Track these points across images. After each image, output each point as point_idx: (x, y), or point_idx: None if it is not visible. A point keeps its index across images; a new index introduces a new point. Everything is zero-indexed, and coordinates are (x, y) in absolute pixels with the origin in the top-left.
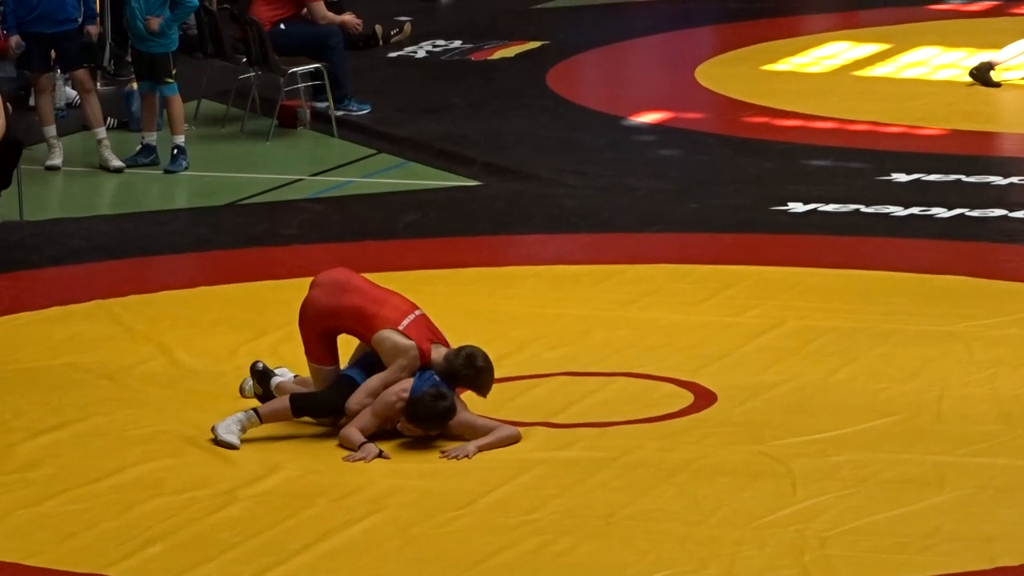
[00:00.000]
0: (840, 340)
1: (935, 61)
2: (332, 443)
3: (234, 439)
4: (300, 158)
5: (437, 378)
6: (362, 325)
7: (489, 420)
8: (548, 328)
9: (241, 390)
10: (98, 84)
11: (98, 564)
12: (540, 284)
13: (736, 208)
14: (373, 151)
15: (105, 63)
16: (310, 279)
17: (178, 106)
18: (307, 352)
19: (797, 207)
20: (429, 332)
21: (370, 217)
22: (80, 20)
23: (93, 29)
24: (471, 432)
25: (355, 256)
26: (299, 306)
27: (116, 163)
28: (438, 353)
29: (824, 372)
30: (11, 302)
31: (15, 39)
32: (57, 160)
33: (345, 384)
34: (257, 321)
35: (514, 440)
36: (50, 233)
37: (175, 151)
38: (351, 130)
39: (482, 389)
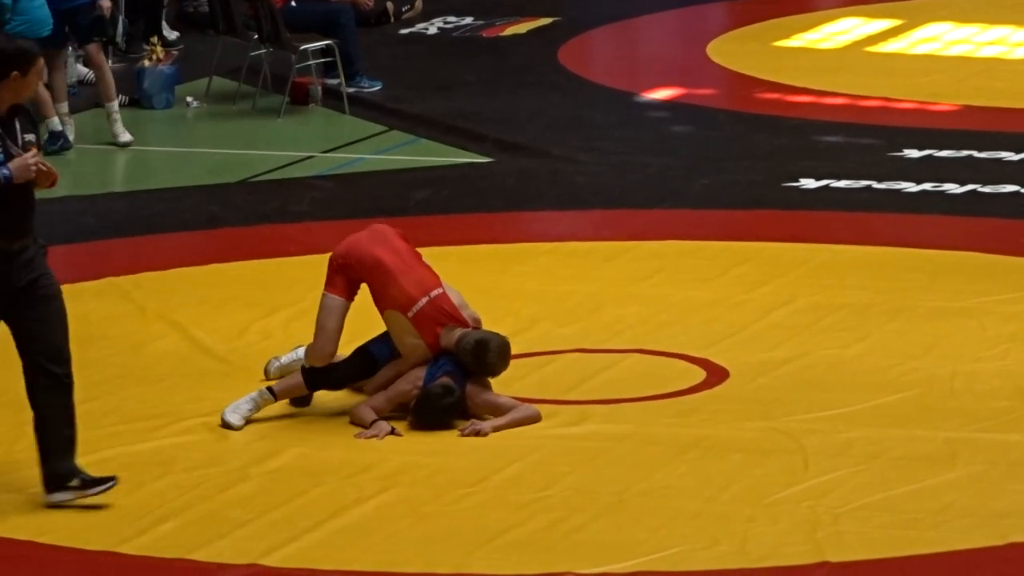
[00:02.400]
0: (852, 316)
1: (947, 37)
2: (343, 421)
3: (236, 420)
4: (311, 135)
5: (450, 365)
6: (378, 285)
7: (510, 399)
8: (560, 305)
9: (266, 372)
10: (110, 61)
11: (110, 541)
12: (552, 261)
13: (748, 184)
14: (384, 128)
15: (118, 39)
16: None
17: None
18: (326, 282)
19: (809, 183)
20: (442, 315)
21: (381, 194)
22: None
23: (105, 3)
24: (492, 410)
25: None
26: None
27: (125, 137)
28: (449, 338)
29: (836, 348)
30: None
31: None
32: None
33: (363, 357)
34: (268, 298)
35: (533, 420)
36: (61, 211)
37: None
38: (362, 107)
39: (492, 375)
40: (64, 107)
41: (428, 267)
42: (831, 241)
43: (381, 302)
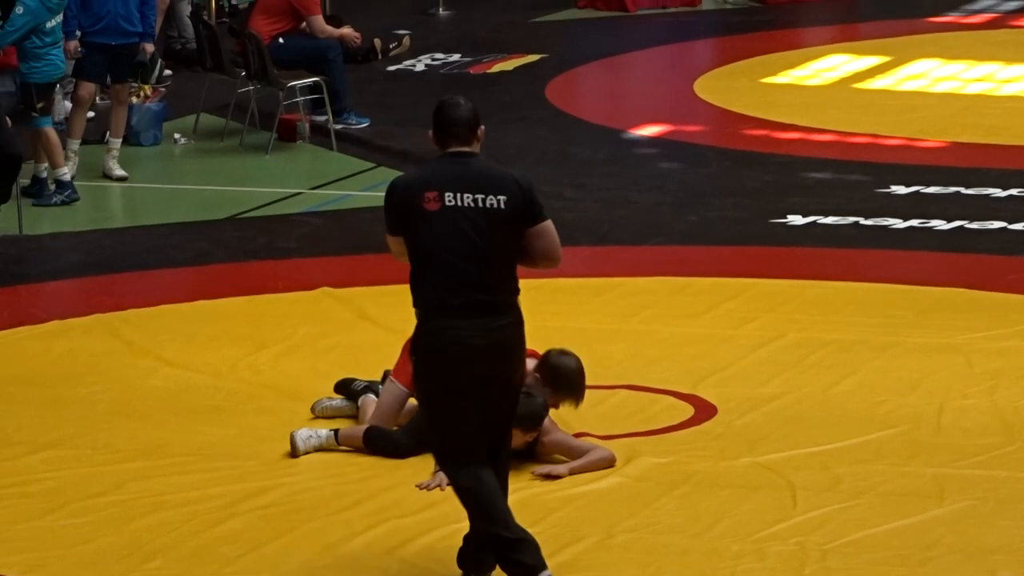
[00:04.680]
0: (840, 352)
1: (934, 73)
2: (332, 456)
3: (301, 446)
4: (299, 172)
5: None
6: None
7: (583, 442)
8: (548, 341)
9: (312, 409)
10: (98, 98)
11: None
12: (539, 297)
13: (735, 221)
14: (372, 164)
15: (151, 80)
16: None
17: (47, 139)
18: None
19: (796, 219)
20: None
21: (369, 231)
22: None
23: (149, 47)
24: (566, 452)
25: (354, 270)
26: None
27: (119, 172)
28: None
29: (824, 384)
30: (10, 316)
31: (73, 44)
32: (67, 174)
33: (420, 427)
34: (256, 335)
35: (608, 463)
36: (49, 247)
37: (53, 185)
38: (350, 143)
39: (580, 396)
40: (75, 144)
41: None
42: (819, 277)
43: None
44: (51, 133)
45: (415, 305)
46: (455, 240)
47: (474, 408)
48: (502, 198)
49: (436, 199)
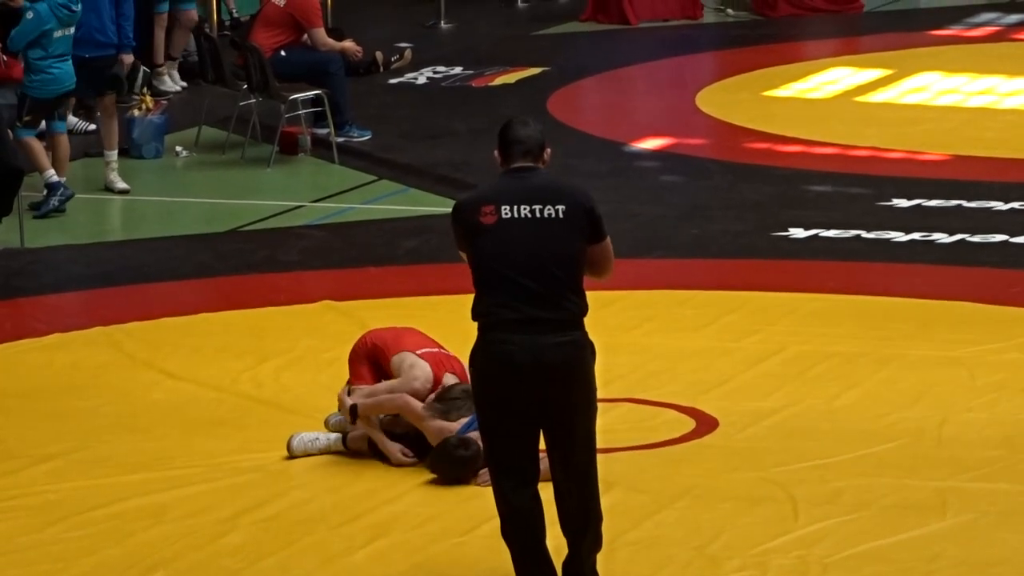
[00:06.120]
0: (841, 365)
1: (936, 87)
2: (334, 468)
3: (296, 448)
4: (301, 185)
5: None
6: (384, 356)
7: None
8: None
9: (326, 422)
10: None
11: None
12: None
13: (737, 234)
14: (374, 177)
15: (136, 89)
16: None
17: (28, 148)
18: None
19: (798, 233)
20: (448, 366)
21: (371, 243)
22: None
23: (127, 58)
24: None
25: (355, 282)
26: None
27: (121, 185)
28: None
29: (826, 398)
30: (12, 329)
31: None
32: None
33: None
34: (258, 348)
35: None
36: (51, 260)
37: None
38: (352, 156)
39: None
40: None
41: (421, 334)
42: (820, 290)
43: (387, 360)
44: (32, 142)
45: (473, 318)
46: (512, 253)
47: (527, 427)
48: (560, 208)
49: (492, 212)
